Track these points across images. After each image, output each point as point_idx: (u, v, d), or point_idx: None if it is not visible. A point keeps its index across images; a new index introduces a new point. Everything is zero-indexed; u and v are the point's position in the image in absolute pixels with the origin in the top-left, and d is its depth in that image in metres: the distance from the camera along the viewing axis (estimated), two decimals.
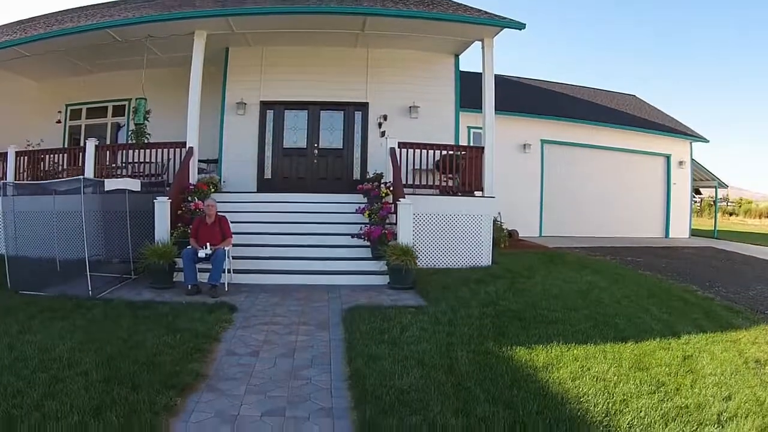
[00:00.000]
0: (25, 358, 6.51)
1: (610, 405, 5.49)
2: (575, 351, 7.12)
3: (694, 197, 24.07)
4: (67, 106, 17.73)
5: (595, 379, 6.19)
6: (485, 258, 12.92)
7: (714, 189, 25.78)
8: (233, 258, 10.84)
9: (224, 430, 5.23)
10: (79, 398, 5.36)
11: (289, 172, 15.58)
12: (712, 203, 28.86)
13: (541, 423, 5.11)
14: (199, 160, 14.38)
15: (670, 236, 20.96)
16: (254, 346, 7.70)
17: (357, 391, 6.11)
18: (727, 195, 37.70)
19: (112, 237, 12.12)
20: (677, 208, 21.56)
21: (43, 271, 10.81)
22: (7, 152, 14.03)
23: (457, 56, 16.13)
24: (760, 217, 33.30)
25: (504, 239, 16.04)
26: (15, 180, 13.71)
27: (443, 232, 12.65)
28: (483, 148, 13.53)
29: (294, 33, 14.63)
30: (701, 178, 24.75)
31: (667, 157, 21.50)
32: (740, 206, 37.96)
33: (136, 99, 14.00)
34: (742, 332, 7.91)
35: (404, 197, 11.58)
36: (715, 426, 5.09)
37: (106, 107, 17.65)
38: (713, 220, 27.30)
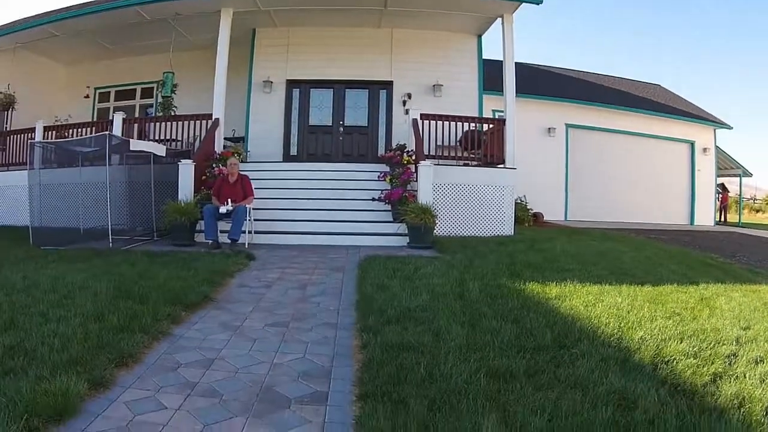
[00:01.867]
0: (38, 284, 6.68)
1: (622, 325, 5.45)
2: (589, 288, 7.11)
3: (719, 192, 23.70)
4: (95, 89, 18.10)
5: (608, 307, 6.15)
6: (507, 228, 12.87)
7: (738, 177, 25.44)
8: (254, 220, 10.93)
9: (224, 336, 5.32)
10: (84, 308, 5.54)
11: (315, 148, 15.74)
12: (737, 200, 28.39)
13: (549, 333, 5.11)
14: (225, 138, 14.56)
15: (695, 223, 20.65)
16: (267, 281, 7.82)
17: (363, 308, 6.18)
18: (755, 195, 37.03)
19: (136, 208, 12.32)
20: (702, 196, 21.28)
21: (66, 233, 11.00)
22: (35, 127, 14.28)
23: (479, 36, 16.21)
24: None
25: (529, 219, 16.01)
26: (42, 154, 13.92)
27: (465, 202, 12.64)
28: (504, 120, 13.48)
29: (318, 12, 14.84)
30: (726, 166, 24.43)
31: (692, 144, 21.26)
32: (767, 203, 37.24)
33: (164, 73, 14.23)
34: (763, 286, 7.74)
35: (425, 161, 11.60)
36: (733, 344, 4.98)
37: (135, 90, 17.99)
38: (738, 212, 26.96)
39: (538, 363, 4.39)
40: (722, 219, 25.08)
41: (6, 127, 15.57)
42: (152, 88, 17.51)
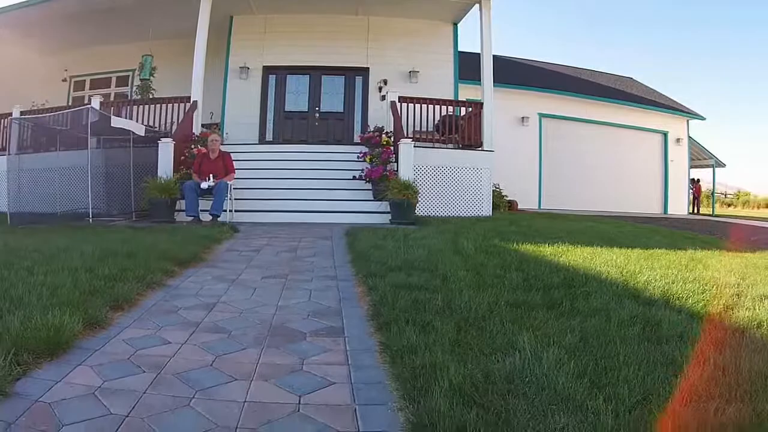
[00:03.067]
0: (20, 248, 6.49)
1: (624, 273, 5.54)
2: (581, 249, 7.19)
3: (692, 185, 24.17)
4: (71, 77, 17.88)
5: (606, 261, 6.23)
6: (486, 210, 12.98)
7: (712, 168, 25.97)
8: (234, 199, 10.84)
9: (221, 286, 5.33)
10: (71, 263, 5.41)
11: (291, 134, 15.70)
12: (709, 195, 28.98)
13: (556, 277, 5.18)
14: (202, 124, 14.46)
15: (668, 213, 21.02)
16: (256, 247, 7.78)
17: (361, 263, 6.18)
18: (726, 192, 37.86)
19: (114, 191, 12.17)
20: (675, 186, 21.67)
21: (43, 216, 10.87)
22: (11, 112, 14.04)
23: (455, 24, 16.34)
24: (758, 208, 33.41)
25: (504, 206, 16.14)
26: (20, 140, 13.71)
27: (444, 184, 12.70)
28: (482, 103, 13.62)
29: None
30: (699, 157, 24.90)
31: (665, 135, 21.66)
32: (738, 198, 38.08)
33: (143, 56, 14.15)
34: (748, 253, 7.92)
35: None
36: (735, 287, 5.06)
37: (110, 78, 17.81)
38: (710, 204, 27.54)
39: (553, 298, 4.43)
40: (695, 210, 25.55)
41: None
42: (127, 76, 17.35)
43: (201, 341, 3.75)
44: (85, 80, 17.87)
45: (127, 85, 17.38)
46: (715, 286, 5.01)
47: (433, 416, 2.38)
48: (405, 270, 5.42)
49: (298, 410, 2.91)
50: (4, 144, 13.63)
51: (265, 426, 2.72)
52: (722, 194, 35.58)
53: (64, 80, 17.37)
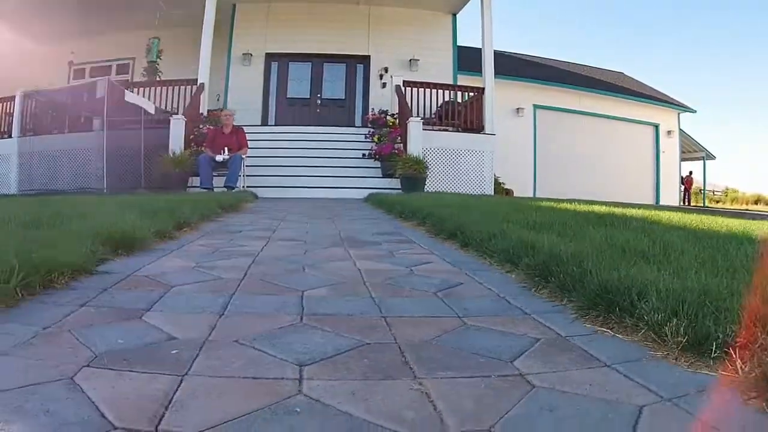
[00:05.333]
0: (53, 201, 6.53)
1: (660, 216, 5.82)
2: (600, 206, 7.42)
3: (683, 180, 24.66)
4: (70, 65, 17.88)
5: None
6: (488, 191, 13.25)
7: (702, 161, 26.51)
8: (246, 176, 11.03)
9: (274, 222, 5.50)
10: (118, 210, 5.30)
11: (292, 120, 15.87)
12: (700, 189, 29.53)
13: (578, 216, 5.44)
14: (208, 110, 14.55)
15: (660, 203, 21.41)
16: (284, 207, 7.95)
17: (395, 211, 6.48)
18: (713, 190, 38.51)
19: (124, 170, 12.31)
20: (667, 177, 22.10)
21: (56, 192, 10.93)
22: (15, 96, 14.04)
23: (454, 15, 16.68)
24: (747, 204, 34.04)
25: (502, 193, 16.41)
26: (23, 124, 13.74)
27: (448, 165, 12.97)
28: (483, 88, 13.89)
29: None
30: (689, 149, 25.41)
31: (656, 127, 22.10)
32: (727, 195, 38.79)
33: (150, 38, 14.25)
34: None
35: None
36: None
37: (110, 66, 17.85)
38: (701, 198, 28.06)
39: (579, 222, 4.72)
40: (686, 203, 25.97)
41: None
42: (128, 64, 17.45)
43: (279, 245, 3.94)
44: (85, 68, 17.89)
45: (128, 73, 17.42)
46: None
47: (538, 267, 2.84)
48: (442, 209, 5.69)
49: (413, 272, 3.13)
50: (5, 128, 13.63)
51: (390, 279, 2.95)
52: (711, 191, 36.23)
53: (71, 62, 17.34)
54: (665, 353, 1.80)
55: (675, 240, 3.54)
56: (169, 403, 1.44)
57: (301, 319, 2.22)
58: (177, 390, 1.51)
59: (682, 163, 23.58)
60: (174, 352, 1.81)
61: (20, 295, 2.29)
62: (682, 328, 1.81)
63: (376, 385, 1.57)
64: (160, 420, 1.35)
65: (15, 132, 12.98)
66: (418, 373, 1.66)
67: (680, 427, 1.35)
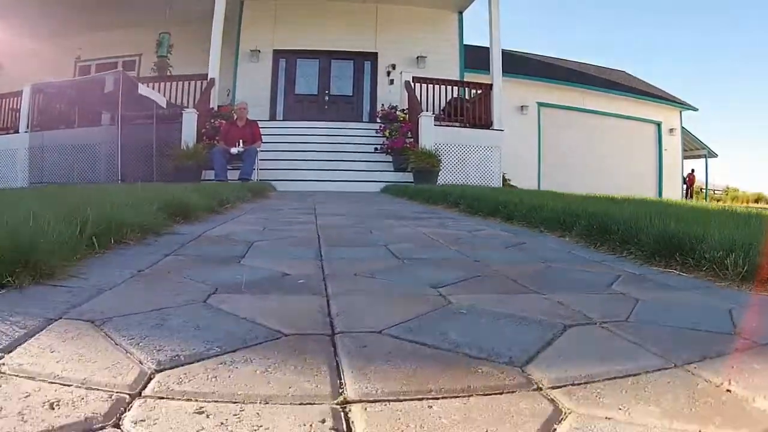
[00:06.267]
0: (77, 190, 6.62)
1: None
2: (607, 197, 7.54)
3: (685, 179, 24.78)
4: (76, 62, 17.89)
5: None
6: (496, 185, 13.29)
7: (704, 158, 26.63)
8: (259, 170, 11.08)
9: (304, 204, 5.56)
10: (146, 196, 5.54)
11: (301, 116, 15.92)
12: (701, 189, 29.67)
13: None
14: (218, 105, 14.58)
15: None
16: (308, 196, 8.00)
17: (420, 198, 6.58)
18: (714, 190, 38.65)
19: (136, 164, 12.32)
20: (669, 174, 22.23)
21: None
22: (22, 91, 14.06)
23: (460, 13, 16.78)
24: (748, 202, 34.22)
25: (507, 188, 16.50)
26: (30, 119, 13.75)
27: (457, 161, 13.06)
28: (491, 85, 13.97)
29: None
30: (691, 147, 25.52)
31: (658, 125, 22.24)
32: (727, 194, 38.97)
33: (160, 33, 14.28)
34: None
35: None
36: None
37: (116, 63, 17.82)
38: (703, 195, 28.17)
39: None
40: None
41: None
42: (134, 61, 17.45)
43: (331, 218, 4.04)
44: (90, 65, 17.88)
45: (134, 70, 17.41)
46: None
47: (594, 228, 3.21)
48: (472, 193, 5.89)
49: (476, 236, 3.22)
50: (14, 123, 13.63)
51: (458, 239, 3.06)
52: (711, 191, 36.42)
53: (77, 58, 17.35)
54: (728, 283, 2.17)
55: (698, 213, 3.73)
56: (329, 314, 1.51)
57: (402, 261, 2.30)
58: (329, 305, 1.60)
59: (684, 161, 23.68)
60: (300, 281, 1.89)
61: (96, 246, 2.41)
62: (740, 260, 2.19)
63: (512, 298, 1.69)
64: (332, 326, 1.46)
65: (24, 126, 12.99)
66: (540, 291, 1.79)
67: (764, 317, 1.72)
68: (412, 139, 12.16)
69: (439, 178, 11.85)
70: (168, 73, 13.68)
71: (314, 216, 4.23)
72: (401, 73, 14.14)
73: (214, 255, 2.46)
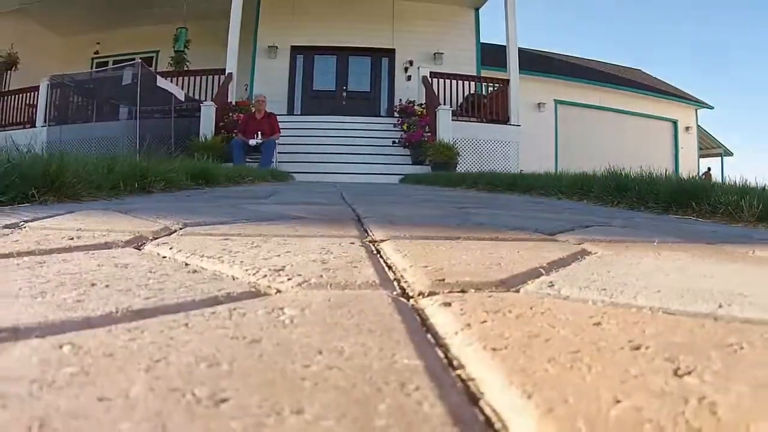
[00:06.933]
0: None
1: None
2: None
3: (702, 175, 24.62)
4: (93, 59, 17.96)
5: None
6: None
7: (720, 157, 26.43)
8: (277, 162, 11.04)
9: (327, 189, 5.55)
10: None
11: (318, 111, 15.91)
12: None
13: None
14: (235, 101, 14.58)
15: None
16: (327, 184, 7.98)
17: (443, 183, 6.51)
18: None
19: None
20: (685, 172, 22.06)
21: None
22: (39, 86, 14.13)
23: (477, 10, 16.75)
24: None
25: None
26: (47, 114, 13.81)
27: (475, 155, 13.07)
28: (508, 80, 13.93)
29: None
30: (707, 146, 25.36)
31: (674, 123, 22.14)
32: None
33: (178, 28, 14.32)
34: None
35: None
36: None
37: (133, 59, 17.86)
38: None
39: None
40: None
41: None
42: (151, 57, 17.49)
43: (356, 192, 4.04)
44: (108, 61, 17.92)
45: (152, 66, 17.44)
46: None
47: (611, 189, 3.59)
48: (488, 175, 5.94)
49: (498, 199, 3.25)
50: (27, 118, 13.69)
51: (488, 196, 3.08)
52: None
53: (96, 53, 17.42)
54: (744, 225, 2.33)
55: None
56: (355, 212, 1.91)
57: (421, 202, 2.46)
58: (354, 210, 1.91)
59: (700, 159, 23.54)
60: (325, 203, 2.07)
61: (122, 188, 2.71)
62: (755, 202, 2.37)
63: (533, 214, 1.90)
64: (358, 215, 1.82)
65: (41, 121, 13.04)
66: (561, 214, 2.02)
67: None
68: (429, 133, 12.11)
69: (456, 171, 11.82)
70: (185, 68, 13.63)
71: (336, 189, 4.29)
72: (419, 68, 14.13)
73: (243, 195, 2.68)
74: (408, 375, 0.54)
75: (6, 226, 1.45)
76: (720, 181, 17.08)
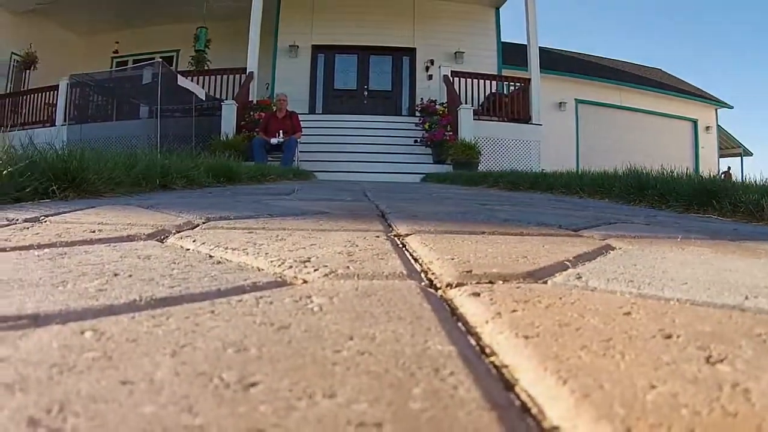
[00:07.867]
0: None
1: None
2: None
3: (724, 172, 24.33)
4: (112, 58, 18.12)
5: None
6: None
7: (740, 157, 26.09)
8: (300, 161, 11.02)
9: (350, 186, 5.58)
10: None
11: (339, 110, 15.93)
12: None
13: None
14: (257, 101, 14.63)
15: None
16: (349, 182, 7.98)
17: (463, 181, 6.51)
18: None
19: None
20: (706, 172, 21.80)
21: None
22: (58, 84, 14.24)
23: (497, 9, 16.67)
24: None
25: None
26: (66, 112, 13.91)
27: (496, 154, 13.00)
28: (530, 79, 13.85)
29: None
30: (727, 145, 25.05)
31: (694, 122, 21.89)
32: None
33: (198, 28, 14.40)
34: None
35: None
36: None
37: (153, 58, 17.98)
38: None
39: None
40: None
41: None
42: (172, 57, 17.60)
43: (380, 190, 4.05)
44: (128, 60, 18.06)
45: (172, 65, 17.55)
46: None
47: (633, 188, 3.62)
48: (510, 174, 5.91)
49: (515, 196, 3.25)
50: (47, 117, 13.83)
51: (508, 194, 3.08)
52: None
53: (115, 52, 17.58)
54: (765, 223, 2.35)
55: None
56: (378, 208, 2.00)
57: (444, 200, 2.46)
58: (378, 206, 1.70)
59: (720, 159, 23.27)
60: (348, 199, 2.05)
61: (143, 184, 2.77)
62: None
63: (555, 211, 1.87)
64: (381, 211, 1.85)
65: (60, 120, 13.17)
66: (584, 211, 2.02)
67: None
68: (451, 132, 12.07)
69: (478, 170, 11.79)
70: (206, 67, 13.72)
71: (358, 187, 4.30)
72: (440, 67, 14.07)
73: (265, 192, 2.70)
74: (442, 361, 0.55)
75: (27, 220, 1.48)
76: (740, 180, 16.94)
